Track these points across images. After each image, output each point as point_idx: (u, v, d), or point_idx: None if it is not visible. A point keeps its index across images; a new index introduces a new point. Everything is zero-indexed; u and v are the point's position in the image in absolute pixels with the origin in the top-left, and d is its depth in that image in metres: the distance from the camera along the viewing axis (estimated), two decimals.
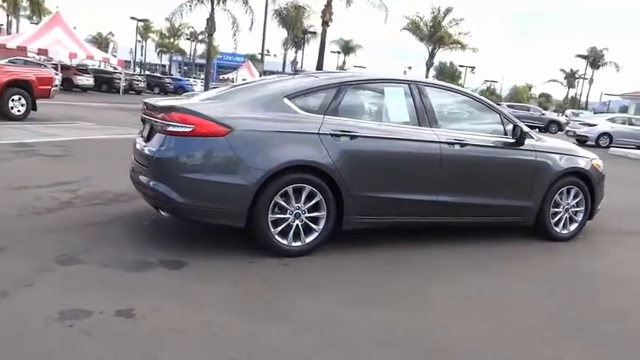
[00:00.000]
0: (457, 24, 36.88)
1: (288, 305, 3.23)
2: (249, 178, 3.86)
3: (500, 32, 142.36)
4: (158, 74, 49.85)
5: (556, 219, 5.19)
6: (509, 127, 4.90)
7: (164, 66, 75.83)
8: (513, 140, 4.85)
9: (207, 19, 25.80)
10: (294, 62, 48.80)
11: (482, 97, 5.26)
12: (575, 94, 57.45)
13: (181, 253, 3.91)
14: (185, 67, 72.76)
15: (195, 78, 52.19)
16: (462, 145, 4.59)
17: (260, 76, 54.21)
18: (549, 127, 30.52)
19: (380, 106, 4.65)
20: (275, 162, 3.91)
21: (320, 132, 4.06)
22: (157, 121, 4.03)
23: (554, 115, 34.55)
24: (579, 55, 54.20)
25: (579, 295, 3.90)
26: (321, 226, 4.10)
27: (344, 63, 68.13)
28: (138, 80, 35.94)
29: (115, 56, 36.82)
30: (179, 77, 48.66)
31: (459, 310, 3.39)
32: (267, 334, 2.84)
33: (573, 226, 5.32)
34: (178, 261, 3.78)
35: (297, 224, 4.04)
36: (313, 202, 4.05)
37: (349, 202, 4.14)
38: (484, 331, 3.12)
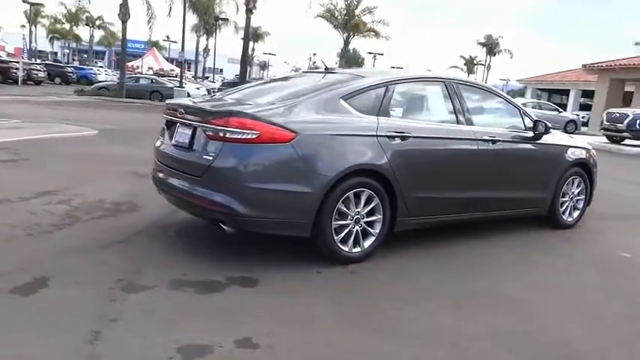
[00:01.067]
0: (371, 12, 37.59)
1: (394, 317, 3.09)
2: (315, 185, 3.67)
3: (406, 20, 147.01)
4: (60, 63, 46.26)
5: (563, 207, 5.47)
6: (527, 121, 5.07)
7: (55, 54, 70.40)
8: (532, 135, 5.02)
9: (121, 5, 24.19)
10: (206, 49, 47.32)
11: (503, 93, 5.39)
12: (475, 80, 61.27)
13: (242, 269, 3.64)
14: (84, 55, 68.00)
15: (100, 67, 49.09)
16: (494, 141, 4.68)
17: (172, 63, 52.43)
18: None
19: (422, 105, 4.61)
20: (340, 167, 3.74)
21: (378, 134, 3.95)
22: (207, 127, 3.69)
23: None
24: (479, 43, 57.49)
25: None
26: (377, 230, 4.01)
27: (253, 50, 67.17)
28: (37, 70, 33.12)
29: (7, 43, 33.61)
30: (82, 66, 45.37)
31: (550, 308, 3.45)
32: (403, 352, 2.72)
33: (576, 214, 5.63)
34: (247, 277, 3.51)
35: (357, 230, 3.92)
36: (371, 206, 3.95)
37: (402, 203, 4.08)
38: (593, 327, 3.21)
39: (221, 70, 69.74)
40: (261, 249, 4.08)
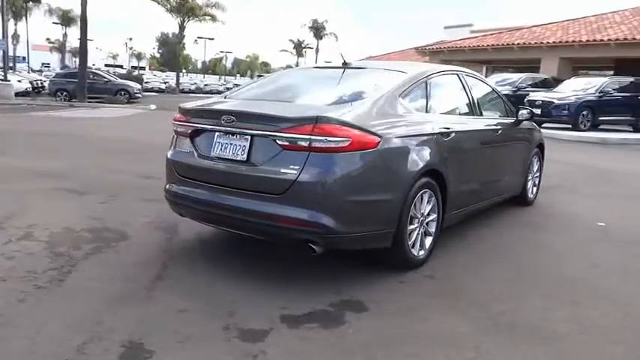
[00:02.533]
0: None
1: (531, 325, 3.04)
2: (397, 191, 3.47)
3: (234, 3, 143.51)
4: None
5: (528, 185, 5.94)
6: (508, 108, 5.37)
7: None
8: (515, 120, 5.34)
9: None
10: (15, 36, 41.20)
11: (489, 82, 5.60)
12: (305, 63, 63.23)
13: (331, 291, 3.30)
14: None
15: None
16: (497, 130, 4.88)
17: None
18: None
19: (450, 98, 4.56)
20: (416, 169, 3.59)
21: (434, 132, 3.84)
22: (281, 136, 3.21)
23: None
24: (307, 27, 59.21)
25: None
26: (433, 229, 3.93)
27: (65, 36, 60.56)
28: None
29: None
30: None
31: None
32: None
33: (534, 190, 6.17)
34: (347, 300, 3.19)
35: (421, 232, 3.80)
36: (430, 205, 3.85)
37: (450, 199, 4.05)
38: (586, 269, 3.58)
39: (24, 59, 61.50)
40: (328, 265, 3.73)
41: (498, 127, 4.92)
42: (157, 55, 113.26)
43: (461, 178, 4.20)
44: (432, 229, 3.91)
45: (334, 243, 3.26)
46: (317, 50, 60.87)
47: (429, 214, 3.84)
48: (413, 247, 3.70)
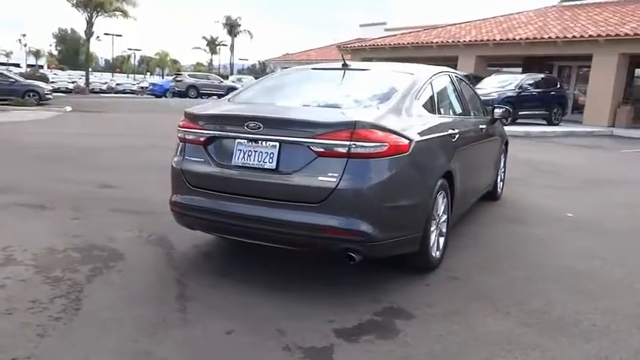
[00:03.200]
0: None
1: (571, 320, 3.12)
2: (425, 194, 3.46)
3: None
4: None
5: (498, 180, 6.18)
6: (482, 107, 5.54)
7: None
8: (491, 119, 5.52)
9: None
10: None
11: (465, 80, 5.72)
12: (219, 61, 61.96)
13: (367, 299, 3.24)
14: None
15: None
16: (483, 129, 5.02)
17: None
18: (229, 93, 32.14)
19: (450, 98, 4.58)
20: (439, 171, 3.62)
21: (447, 133, 3.87)
22: (316, 142, 3.07)
23: (232, 83, 36.13)
24: (223, 24, 57.98)
25: None
26: (445, 230, 3.97)
27: None
28: None
29: None
30: None
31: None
32: None
33: (501, 184, 6.42)
34: (389, 307, 3.14)
35: (437, 233, 3.82)
36: (444, 206, 3.88)
37: (455, 199, 4.11)
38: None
39: None
40: (351, 272, 3.64)
41: (483, 125, 5.07)
42: (55, 53, 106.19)
43: (463, 177, 4.27)
44: (444, 229, 3.94)
45: (373, 251, 3.18)
46: (232, 47, 59.93)
47: (442, 215, 3.87)
48: (432, 248, 3.71)
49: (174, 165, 3.61)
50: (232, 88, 32.65)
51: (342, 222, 3.04)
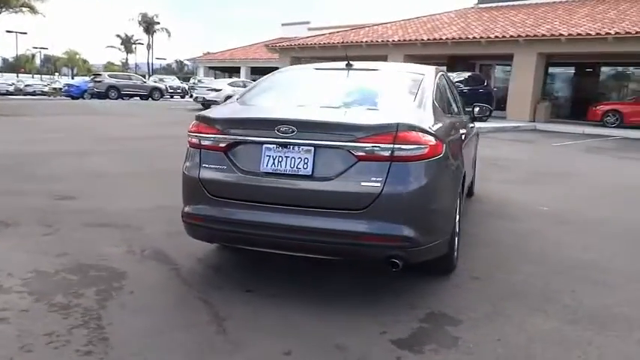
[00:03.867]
0: None
1: (605, 314, 3.18)
2: (455, 197, 3.43)
3: None
4: None
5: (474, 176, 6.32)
6: (462, 105, 5.62)
7: None
8: (470, 116, 5.61)
9: None
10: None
11: None
12: (135, 60, 59.17)
13: (405, 305, 3.16)
14: None
15: None
16: (472, 127, 5.10)
17: None
18: (152, 94, 30.91)
19: (450, 99, 4.55)
20: (462, 172, 3.60)
21: (460, 133, 3.86)
22: (358, 145, 2.93)
23: (155, 83, 34.53)
24: (139, 21, 55.51)
25: None
26: (458, 230, 3.96)
27: None
28: None
29: None
30: None
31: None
32: None
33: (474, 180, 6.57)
34: (432, 313, 3.07)
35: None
36: (459, 207, 3.87)
37: (461, 198, 4.12)
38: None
39: None
40: (375, 279, 3.54)
41: (470, 124, 5.14)
42: None
43: (466, 176, 4.30)
44: (457, 229, 3.94)
45: (415, 256, 3.08)
46: (149, 46, 57.58)
47: (457, 215, 3.86)
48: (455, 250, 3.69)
49: (187, 173, 3.32)
50: (156, 89, 31.58)
51: (387, 228, 2.92)
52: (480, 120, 5.61)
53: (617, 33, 17.86)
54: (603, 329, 2.94)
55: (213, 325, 2.83)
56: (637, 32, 17.45)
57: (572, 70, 24.21)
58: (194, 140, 3.31)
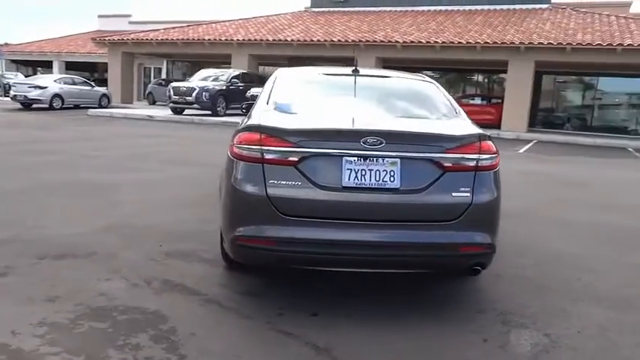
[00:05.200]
0: None
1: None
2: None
3: None
4: None
5: None
6: None
7: None
8: None
9: None
10: None
11: None
12: None
13: (476, 308, 3.23)
14: None
15: None
16: None
17: None
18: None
19: None
20: None
21: None
22: (448, 157, 2.92)
23: None
24: None
25: None
26: None
27: None
28: None
29: None
30: None
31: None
32: None
33: None
34: (505, 312, 3.19)
35: None
36: None
37: None
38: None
39: None
40: (412, 284, 3.54)
41: None
42: None
43: None
44: None
45: (491, 260, 3.16)
46: None
47: None
48: None
49: (244, 190, 2.93)
50: None
51: (477, 237, 2.96)
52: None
53: (443, 42, 20.13)
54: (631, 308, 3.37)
55: (325, 357, 2.57)
56: (459, 42, 19.89)
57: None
58: (252, 154, 2.94)
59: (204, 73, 20.61)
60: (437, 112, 3.54)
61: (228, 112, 19.11)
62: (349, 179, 2.88)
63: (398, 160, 2.90)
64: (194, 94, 18.20)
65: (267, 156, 2.91)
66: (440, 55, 20.43)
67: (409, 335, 2.87)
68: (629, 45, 17.72)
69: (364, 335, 2.84)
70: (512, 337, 2.91)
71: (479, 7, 24.90)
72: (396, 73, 4.39)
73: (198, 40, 23.86)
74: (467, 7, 25.05)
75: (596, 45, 18.08)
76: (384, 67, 23.27)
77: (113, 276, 3.52)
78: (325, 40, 21.81)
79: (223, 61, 24.83)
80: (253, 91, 7.98)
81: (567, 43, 18.49)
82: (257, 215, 2.92)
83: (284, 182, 2.88)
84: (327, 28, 23.96)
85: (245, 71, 21.61)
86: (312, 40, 22.06)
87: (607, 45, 17.98)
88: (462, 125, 3.21)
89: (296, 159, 2.88)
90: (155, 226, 4.77)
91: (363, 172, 2.89)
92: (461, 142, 2.96)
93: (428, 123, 3.34)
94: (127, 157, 9.03)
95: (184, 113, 18.99)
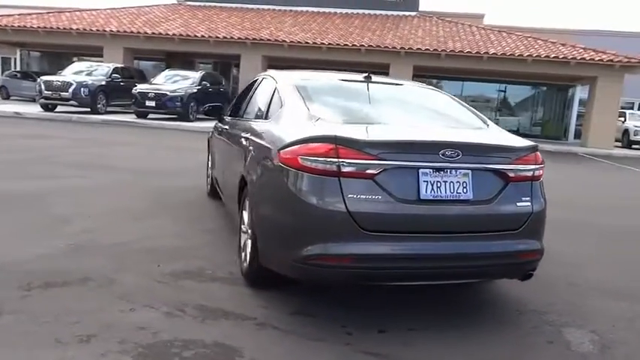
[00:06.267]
0: None
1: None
2: None
3: None
4: None
5: None
6: None
7: None
8: None
9: None
10: None
11: None
12: None
13: (537, 319, 3.38)
14: None
15: None
16: None
17: None
18: None
19: None
20: None
21: None
22: (516, 168, 3.02)
23: None
24: None
25: None
26: None
27: None
28: None
29: None
30: None
31: None
32: None
33: None
34: (538, 312, 3.36)
35: None
36: None
37: None
38: None
39: None
40: (460, 296, 3.60)
41: None
42: None
43: None
44: None
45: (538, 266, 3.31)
46: None
47: None
48: None
49: (326, 207, 2.73)
50: None
51: (535, 244, 3.09)
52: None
53: (329, 43, 20.60)
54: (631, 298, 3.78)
55: None
56: (345, 44, 20.51)
57: None
58: (326, 167, 2.75)
59: (77, 66, 18.79)
60: (477, 121, 3.62)
61: (109, 109, 17.62)
62: (426, 191, 2.83)
63: (469, 171, 2.92)
64: (71, 90, 16.42)
65: (345, 169, 2.75)
66: (326, 56, 20.87)
67: (479, 342, 2.91)
68: (493, 54, 19.70)
69: (442, 348, 2.82)
70: (569, 336, 3.08)
71: (356, 11, 25.90)
72: (405, 81, 4.40)
73: (65, 29, 21.68)
74: (345, 11, 25.88)
75: (467, 52, 19.83)
76: (270, 67, 23.22)
77: (134, 305, 3.08)
78: (210, 37, 21.11)
79: (92, 54, 22.95)
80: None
81: (442, 50, 20.01)
82: (334, 232, 2.75)
83: (364, 196, 2.75)
84: (209, 24, 23.22)
85: (123, 65, 20.12)
86: (195, 36, 21.22)
87: (475, 53, 19.80)
88: (513, 136, 3.33)
89: (376, 172, 2.76)
90: (130, 244, 4.25)
91: (439, 184, 2.86)
92: (523, 154, 3.07)
93: (487, 134, 3.40)
94: (24, 162, 7.91)
95: (58, 110, 17.11)
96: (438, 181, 2.86)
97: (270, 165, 3.10)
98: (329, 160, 2.74)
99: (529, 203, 3.05)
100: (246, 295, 3.37)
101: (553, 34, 24.57)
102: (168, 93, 16.07)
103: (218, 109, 5.37)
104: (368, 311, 3.26)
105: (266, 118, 3.75)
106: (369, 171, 2.76)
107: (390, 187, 2.78)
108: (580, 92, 24.34)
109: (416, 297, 3.54)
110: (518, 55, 19.52)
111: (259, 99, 4.23)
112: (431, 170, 2.85)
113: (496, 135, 3.35)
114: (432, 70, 21.02)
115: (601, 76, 19.65)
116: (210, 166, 6.05)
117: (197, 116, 16.85)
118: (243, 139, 3.91)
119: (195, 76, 17.67)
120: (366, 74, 3.93)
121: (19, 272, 3.46)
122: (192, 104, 16.41)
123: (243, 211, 3.65)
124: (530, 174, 3.08)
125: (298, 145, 2.86)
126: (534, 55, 19.49)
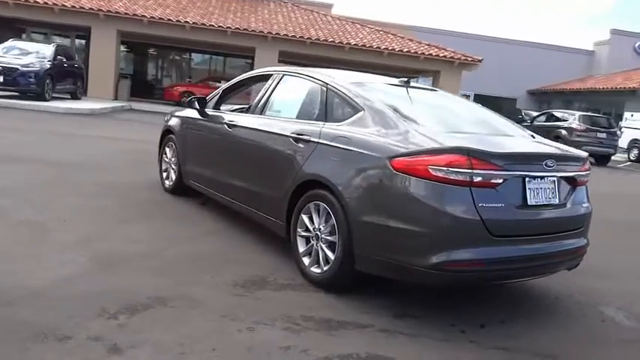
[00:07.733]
0: None
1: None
2: None
3: None
4: None
5: None
6: None
7: None
8: None
9: None
10: None
11: None
12: None
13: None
14: None
15: None
16: None
17: None
18: None
19: None
20: None
21: None
22: (581, 174, 3.48)
23: None
24: None
25: None
26: None
27: None
28: None
29: None
30: None
31: None
32: None
33: None
34: (568, 296, 3.90)
35: None
36: None
37: None
38: None
39: None
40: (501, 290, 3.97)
41: None
42: None
43: None
44: None
45: None
46: None
47: None
48: None
49: (462, 215, 2.87)
50: None
51: (586, 240, 3.58)
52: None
53: (194, 22, 19.72)
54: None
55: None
56: (210, 25, 19.81)
57: (148, 51, 25.12)
58: (459, 177, 2.88)
59: (9, 44, 15.37)
60: (522, 130, 3.98)
61: (54, 95, 14.93)
62: (532, 198, 3.14)
63: (555, 179, 3.29)
64: (15, 75, 13.56)
65: (476, 179, 2.92)
66: (189, 35, 19.99)
67: (543, 327, 3.30)
68: (354, 44, 20.78)
69: (538, 333, 3.17)
70: (616, 316, 3.65)
71: None
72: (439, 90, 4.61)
73: (45, 4, 17.34)
74: None
75: (330, 42, 20.60)
76: (124, 43, 21.42)
77: (245, 324, 2.87)
78: (54, 4, 18.69)
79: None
80: None
81: (307, 37, 20.51)
82: (470, 238, 2.91)
83: (491, 205, 2.95)
84: None
85: (62, 45, 17.01)
86: (27, 2, 18.49)
87: (338, 42, 20.68)
88: (564, 145, 3.80)
89: (500, 181, 2.98)
90: (156, 253, 3.86)
91: (537, 191, 3.18)
92: (584, 161, 3.55)
93: (555, 144, 3.80)
94: None
95: None
96: (537, 188, 3.18)
97: (377, 172, 3.10)
98: (462, 170, 2.88)
99: (587, 205, 3.54)
100: (333, 300, 3.32)
101: (397, 29, 26.64)
102: (19, 67, 13.74)
103: (202, 100, 5.03)
104: (454, 309, 3.46)
105: (326, 120, 3.68)
106: (493, 180, 2.96)
107: (506, 195, 3.03)
108: (423, 83, 26.90)
109: (469, 296, 3.82)
110: (377, 48, 20.88)
111: (298, 98, 4.09)
112: (533, 178, 3.16)
113: (556, 144, 3.80)
114: (297, 57, 21.45)
115: (443, 70, 21.97)
116: (175, 161, 5.59)
117: (52, 95, 14.87)
118: (291, 140, 3.77)
119: (47, 49, 15.40)
120: (405, 79, 4.07)
121: (68, 298, 2.96)
122: (47, 81, 14.39)
123: (302, 215, 3.58)
124: (586, 179, 3.57)
125: (425, 155, 2.93)
126: (390, 49, 21.04)
